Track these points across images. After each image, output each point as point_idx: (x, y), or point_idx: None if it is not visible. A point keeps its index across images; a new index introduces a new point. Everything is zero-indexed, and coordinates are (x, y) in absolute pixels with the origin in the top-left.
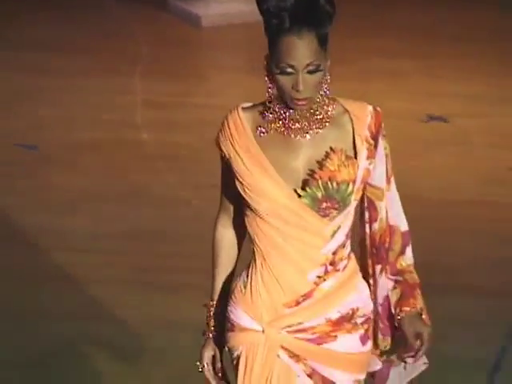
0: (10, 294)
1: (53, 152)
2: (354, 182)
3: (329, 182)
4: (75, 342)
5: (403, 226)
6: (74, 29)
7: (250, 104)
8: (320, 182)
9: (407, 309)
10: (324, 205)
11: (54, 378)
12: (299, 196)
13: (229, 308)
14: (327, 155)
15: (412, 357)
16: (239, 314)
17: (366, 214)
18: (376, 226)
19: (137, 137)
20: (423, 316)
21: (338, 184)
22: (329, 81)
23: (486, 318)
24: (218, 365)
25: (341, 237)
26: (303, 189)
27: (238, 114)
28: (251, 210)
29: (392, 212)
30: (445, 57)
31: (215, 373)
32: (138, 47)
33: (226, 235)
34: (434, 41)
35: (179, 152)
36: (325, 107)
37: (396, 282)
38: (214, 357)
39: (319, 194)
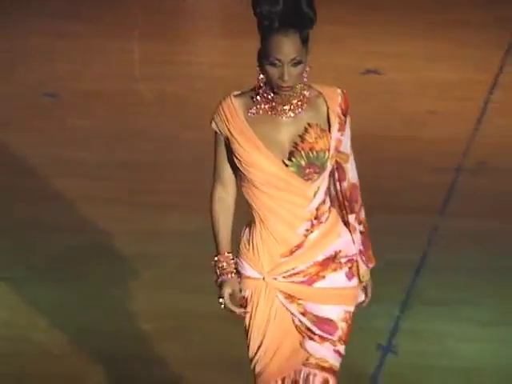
0: (28, 210)
1: (68, 99)
2: (328, 150)
3: (309, 152)
4: (86, 251)
5: (358, 184)
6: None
7: (239, 92)
8: (303, 153)
9: (362, 263)
10: (307, 171)
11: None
12: (286, 166)
13: (237, 260)
14: (306, 130)
15: (358, 305)
16: (244, 266)
17: (336, 175)
18: (345, 184)
19: (135, 87)
20: (372, 264)
21: (317, 152)
22: (308, 71)
23: (409, 229)
24: (238, 295)
25: (321, 195)
26: (289, 159)
27: (230, 101)
28: (248, 181)
29: (353, 174)
30: (380, 24)
31: (236, 304)
32: (135, 16)
33: (223, 204)
34: (371, 11)
35: (169, 99)
36: (303, 92)
37: (360, 231)
38: (233, 293)
39: (303, 162)
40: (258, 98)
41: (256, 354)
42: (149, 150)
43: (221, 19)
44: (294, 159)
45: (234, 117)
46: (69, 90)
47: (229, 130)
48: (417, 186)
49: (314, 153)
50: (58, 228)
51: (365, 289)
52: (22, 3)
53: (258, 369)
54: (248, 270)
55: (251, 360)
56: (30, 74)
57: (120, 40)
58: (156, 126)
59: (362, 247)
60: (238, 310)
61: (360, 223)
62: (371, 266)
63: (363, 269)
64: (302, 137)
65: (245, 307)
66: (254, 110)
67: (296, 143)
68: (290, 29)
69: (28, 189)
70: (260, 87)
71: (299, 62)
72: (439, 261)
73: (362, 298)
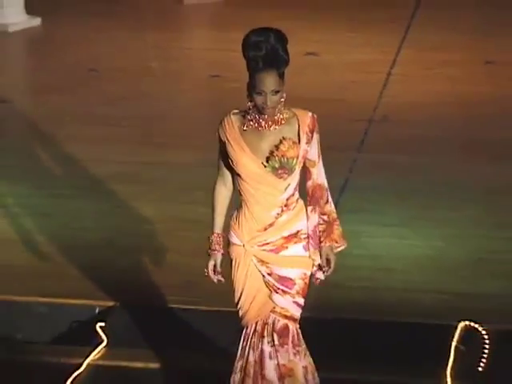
0: (73, 148)
1: (104, 73)
2: (297, 157)
3: (282, 158)
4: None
5: (326, 184)
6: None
7: (237, 110)
8: (277, 158)
9: (327, 243)
10: (279, 171)
11: None
12: (265, 166)
13: (229, 233)
14: (281, 141)
15: (322, 272)
16: (232, 235)
17: (306, 176)
18: (309, 182)
19: (145, 65)
20: (338, 244)
21: (287, 159)
22: (285, 97)
23: (335, 161)
24: (218, 268)
25: (290, 190)
26: (267, 162)
27: (230, 117)
28: (237, 175)
29: (321, 176)
30: (317, 20)
31: (215, 274)
32: (147, 13)
33: (221, 192)
34: (311, 10)
35: (172, 73)
36: (281, 112)
37: (323, 220)
38: (214, 265)
39: (276, 165)
40: (248, 117)
41: (239, 301)
42: (156, 107)
43: (210, 15)
44: (270, 162)
45: (231, 129)
46: (104, 67)
47: (227, 137)
48: (341, 131)
49: (285, 159)
50: (92, 160)
51: (328, 261)
52: (72, 5)
53: (240, 313)
54: (234, 238)
55: (236, 305)
56: (80, 55)
57: (137, 31)
58: (162, 91)
59: (327, 233)
60: (216, 279)
61: (324, 214)
62: (337, 245)
63: (324, 245)
64: (277, 146)
65: (222, 275)
66: (245, 125)
67: (272, 151)
68: (270, 68)
69: (73, 133)
70: (250, 109)
71: (278, 91)
72: (357, 183)
73: (317, 261)
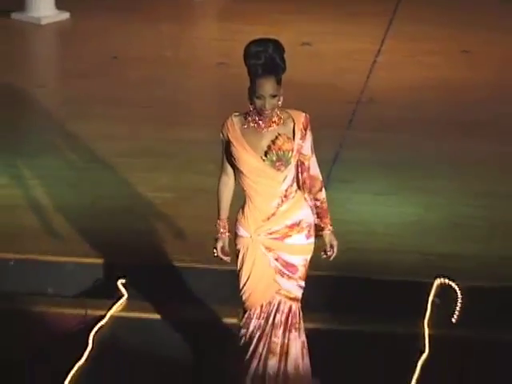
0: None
1: (123, 60)
2: (292, 150)
3: (278, 151)
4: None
5: (320, 177)
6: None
7: (237, 113)
8: (274, 152)
9: (326, 230)
10: (277, 164)
11: None
12: (263, 160)
13: (235, 225)
14: (277, 137)
15: (327, 257)
16: (239, 228)
17: (299, 169)
18: (305, 174)
19: (163, 53)
20: (330, 226)
21: (283, 152)
22: (282, 100)
23: (327, 137)
24: (226, 249)
25: (288, 181)
26: (266, 156)
27: (231, 118)
28: (239, 171)
29: (314, 168)
30: (311, 13)
31: (223, 254)
32: (162, 7)
33: (225, 186)
34: (307, 4)
35: (182, 61)
36: (278, 114)
37: (316, 206)
38: (222, 247)
39: (274, 158)
40: (249, 118)
41: (244, 286)
42: (170, 90)
43: (217, 9)
44: (268, 156)
45: (233, 129)
46: (124, 55)
47: (229, 137)
48: (332, 112)
49: (281, 152)
50: (114, 136)
51: (331, 246)
52: (96, 1)
53: (244, 297)
54: (240, 231)
55: (240, 290)
56: (103, 45)
57: (153, 23)
58: (175, 76)
59: (320, 216)
60: (225, 258)
61: (317, 200)
62: (330, 227)
63: (327, 233)
64: (274, 141)
65: (228, 255)
66: (246, 126)
67: (270, 146)
68: (269, 75)
69: (98, 113)
70: (250, 111)
71: (275, 96)
72: (346, 157)
73: (328, 247)
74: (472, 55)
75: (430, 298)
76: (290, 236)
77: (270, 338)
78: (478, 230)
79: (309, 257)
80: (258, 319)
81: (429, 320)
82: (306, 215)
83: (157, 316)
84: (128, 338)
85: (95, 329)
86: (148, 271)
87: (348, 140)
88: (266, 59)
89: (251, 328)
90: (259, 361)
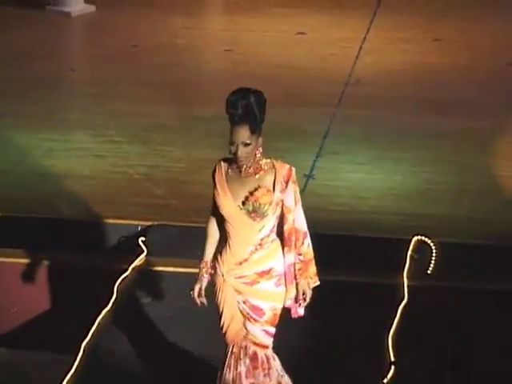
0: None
1: (143, 48)
2: (270, 203)
3: (255, 203)
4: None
5: (304, 228)
6: None
7: (227, 157)
8: (250, 203)
9: (302, 279)
10: (252, 215)
11: None
12: (241, 209)
13: (215, 262)
14: (256, 189)
15: (299, 305)
16: (216, 267)
17: (283, 220)
18: (286, 226)
19: (176, 41)
20: (312, 279)
21: (259, 204)
22: (261, 150)
23: (318, 115)
24: (202, 292)
25: (266, 231)
26: (243, 205)
27: (220, 163)
28: (221, 215)
29: (298, 221)
30: (305, 6)
31: (199, 297)
32: (175, 2)
33: (213, 226)
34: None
35: (193, 48)
36: (259, 163)
37: (299, 260)
38: (200, 289)
39: (250, 209)
40: (232, 164)
41: (220, 322)
42: (184, 74)
43: (224, 3)
44: (245, 205)
45: (219, 174)
46: (144, 43)
47: (215, 181)
48: (323, 92)
49: (258, 204)
50: (136, 114)
51: (303, 294)
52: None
53: (222, 332)
54: (217, 269)
55: (219, 324)
56: (125, 34)
57: (169, 15)
58: (188, 61)
59: (301, 268)
60: (199, 302)
61: (300, 254)
62: (312, 281)
63: (303, 281)
64: (252, 192)
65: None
66: (230, 171)
67: (248, 196)
68: (243, 123)
69: (121, 93)
70: (233, 159)
71: (248, 145)
72: (336, 131)
73: (293, 294)
74: (443, 43)
75: (409, 253)
76: (259, 282)
77: (242, 379)
78: (449, 194)
79: (278, 304)
80: (230, 358)
81: (407, 272)
82: (278, 265)
83: (172, 269)
84: (147, 288)
85: (119, 280)
86: (165, 230)
87: (337, 117)
88: (242, 108)
89: (226, 364)
90: None
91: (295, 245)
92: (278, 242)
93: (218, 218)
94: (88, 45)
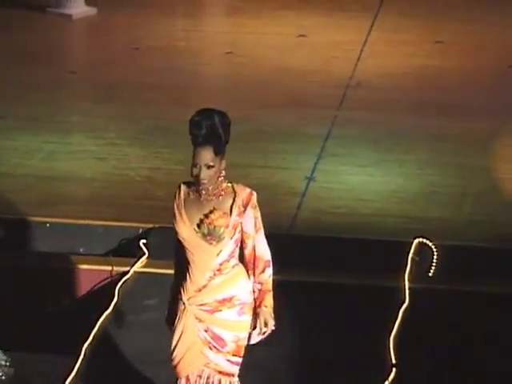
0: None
1: (144, 50)
2: (226, 226)
3: (209, 225)
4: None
5: (267, 256)
6: None
7: (188, 181)
8: (205, 225)
9: (262, 307)
10: (208, 237)
11: None
12: (196, 232)
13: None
14: (211, 211)
15: (261, 334)
16: (178, 296)
17: (242, 245)
18: (246, 252)
19: (176, 43)
20: (270, 310)
21: (214, 227)
22: (223, 173)
23: (320, 117)
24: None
25: (224, 256)
26: (198, 228)
27: (181, 186)
28: (180, 241)
29: (259, 248)
30: (306, 9)
31: (170, 324)
32: (175, 4)
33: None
34: (303, 2)
35: (193, 50)
36: (219, 187)
37: (257, 288)
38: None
39: (205, 231)
40: (192, 187)
41: (173, 352)
42: (184, 76)
43: (224, 5)
44: (200, 228)
45: (179, 197)
46: (144, 45)
47: (174, 205)
48: (325, 94)
49: (213, 226)
50: (136, 116)
51: (265, 323)
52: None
53: (173, 363)
54: (180, 297)
55: (171, 355)
56: (126, 36)
57: (169, 18)
58: (188, 64)
59: (259, 297)
60: (169, 327)
61: (258, 283)
62: (266, 308)
63: (263, 310)
64: (207, 215)
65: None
66: (189, 194)
67: (202, 219)
68: (207, 144)
69: (122, 96)
70: (194, 181)
71: (211, 167)
72: (337, 134)
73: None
74: (444, 45)
75: (410, 256)
76: (221, 311)
77: None
78: (451, 197)
79: (242, 334)
80: None
81: (409, 274)
82: (241, 293)
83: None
84: (148, 291)
85: (120, 282)
86: (165, 233)
87: (338, 119)
88: (206, 129)
89: None
90: None
91: (254, 272)
92: (240, 268)
93: (181, 244)
94: (89, 47)
